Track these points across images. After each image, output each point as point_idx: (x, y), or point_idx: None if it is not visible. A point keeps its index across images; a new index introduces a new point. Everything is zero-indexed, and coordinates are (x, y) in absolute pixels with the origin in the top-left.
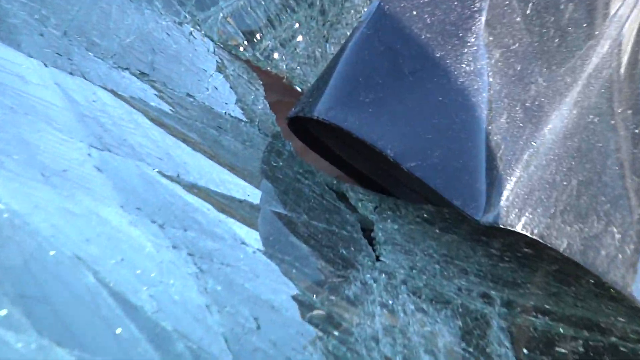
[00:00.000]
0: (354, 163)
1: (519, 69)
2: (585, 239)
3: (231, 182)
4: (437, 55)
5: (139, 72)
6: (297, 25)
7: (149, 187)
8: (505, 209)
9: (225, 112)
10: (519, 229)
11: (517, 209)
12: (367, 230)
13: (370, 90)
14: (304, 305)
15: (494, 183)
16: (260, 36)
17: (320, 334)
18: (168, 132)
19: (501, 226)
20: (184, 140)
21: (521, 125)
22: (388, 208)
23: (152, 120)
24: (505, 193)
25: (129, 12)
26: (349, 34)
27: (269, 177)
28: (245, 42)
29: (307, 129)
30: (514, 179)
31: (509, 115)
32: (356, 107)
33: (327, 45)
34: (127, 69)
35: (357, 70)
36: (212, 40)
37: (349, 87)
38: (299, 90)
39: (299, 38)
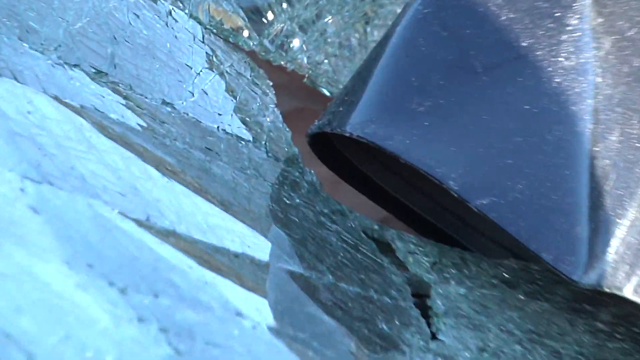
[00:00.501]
0: (403, 199)
1: (638, 65)
2: None
3: (224, 228)
4: (524, 44)
5: (94, 70)
6: (322, 2)
7: (106, 236)
8: (613, 265)
9: (218, 127)
10: (628, 293)
11: (628, 266)
12: (420, 297)
13: (427, 96)
14: None
15: (599, 229)
16: (271, 16)
17: None
18: (135, 156)
19: (606, 289)
20: (158, 168)
21: (638, 145)
22: (451, 264)
23: (112, 139)
24: (614, 243)
25: None
26: (399, 11)
27: (280, 220)
28: (249, 25)
29: (336, 151)
30: (626, 222)
31: (622, 132)
32: (406, 119)
33: (368, 29)
34: (77, 65)
35: (408, 67)
36: (200, 23)
37: (397, 90)
38: (326, 94)
39: (328, 18)
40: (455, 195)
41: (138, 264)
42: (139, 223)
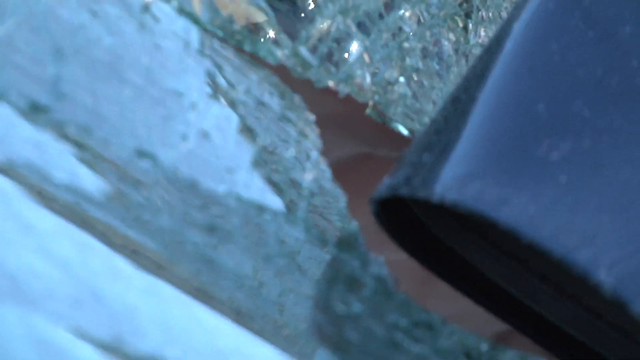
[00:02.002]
0: (527, 300)
1: None
2: None
3: (241, 354)
4: None
5: (29, 103)
6: None
7: None
8: None
9: (228, 191)
10: None
11: None
12: None
13: (564, 135)
14: None
15: None
16: (311, 5)
17: None
18: (95, 241)
19: None
20: (133, 258)
21: None
22: None
23: (58, 214)
24: None
25: None
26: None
27: (331, 339)
28: (276, 23)
29: (418, 226)
30: None
31: None
32: (530, 173)
33: (470, 26)
34: (0, 97)
35: (534, 88)
36: (196, 21)
37: (515, 126)
38: (403, 133)
39: (405, 10)
40: (608, 296)
41: None
42: (103, 346)
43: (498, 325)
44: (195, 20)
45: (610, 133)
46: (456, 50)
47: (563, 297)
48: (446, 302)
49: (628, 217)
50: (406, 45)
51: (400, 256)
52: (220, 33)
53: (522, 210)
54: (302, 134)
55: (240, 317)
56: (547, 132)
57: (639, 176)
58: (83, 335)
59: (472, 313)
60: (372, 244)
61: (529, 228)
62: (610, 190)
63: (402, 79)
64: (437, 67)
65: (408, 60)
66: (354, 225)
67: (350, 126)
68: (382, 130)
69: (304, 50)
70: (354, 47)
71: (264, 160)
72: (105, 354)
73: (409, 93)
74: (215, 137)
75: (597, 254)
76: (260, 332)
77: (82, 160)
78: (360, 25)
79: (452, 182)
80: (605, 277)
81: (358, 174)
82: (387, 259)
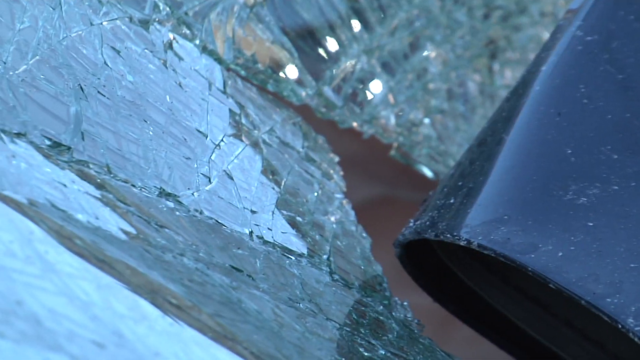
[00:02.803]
0: (554, 346)
1: None
2: None
3: None
4: None
5: (49, 142)
6: (419, 24)
7: None
8: None
9: (251, 233)
10: None
11: None
12: None
13: (592, 179)
14: None
15: None
16: (334, 46)
17: None
18: (117, 283)
19: None
20: (155, 302)
21: None
22: None
23: (80, 255)
24: None
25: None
26: (546, 39)
27: None
28: (300, 62)
29: (443, 269)
30: None
31: None
32: (557, 218)
33: (496, 68)
34: (21, 135)
35: (562, 132)
36: (219, 60)
37: (542, 171)
38: (428, 175)
39: (430, 51)
40: (636, 340)
41: None
42: None
43: None
44: (218, 59)
45: (638, 179)
46: (482, 92)
47: (587, 342)
48: (469, 346)
49: None
50: (431, 86)
51: (425, 300)
52: (243, 72)
53: (549, 255)
54: (326, 175)
55: None
56: (574, 177)
57: None
58: None
59: (495, 357)
60: (396, 289)
61: (556, 273)
62: (638, 238)
63: (426, 120)
64: (462, 108)
65: (433, 102)
66: (378, 268)
67: (373, 168)
68: (405, 172)
69: (328, 91)
70: (378, 87)
71: (287, 202)
72: None
73: (434, 134)
74: (238, 179)
75: (625, 301)
76: None
77: (104, 201)
78: (384, 66)
79: (479, 226)
80: (634, 324)
81: (381, 217)
82: (411, 303)
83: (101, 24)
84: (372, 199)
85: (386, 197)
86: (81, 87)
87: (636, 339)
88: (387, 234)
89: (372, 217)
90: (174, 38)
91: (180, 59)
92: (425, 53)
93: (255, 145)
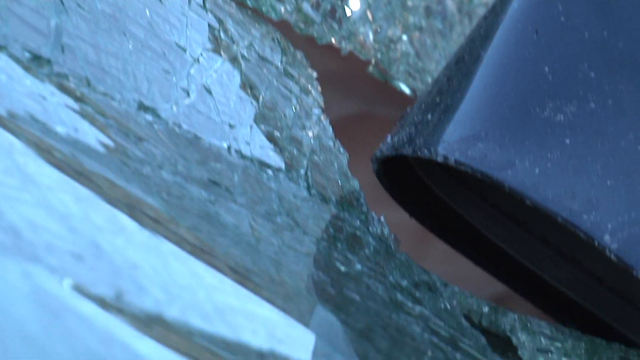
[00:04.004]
0: (529, 263)
1: None
2: None
3: (240, 311)
4: None
5: (29, 55)
6: None
7: (53, 323)
8: None
9: (229, 148)
10: None
11: None
12: None
13: (569, 97)
14: None
15: None
16: None
17: None
18: (96, 196)
19: None
20: (133, 215)
21: None
22: None
23: (59, 168)
24: None
25: None
26: None
27: (331, 298)
28: None
29: (420, 185)
30: None
31: None
32: (535, 135)
33: None
34: (1, 48)
35: (539, 50)
36: None
37: (520, 88)
38: (405, 92)
39: None
40: (612, 258)
41: None
42: (104, 303)
43: (497, 287)
44: None
45: (615, 97)
46: (460, 9)
47: (564, 260)
48: (445, 262)
49: (631, 183)
50: (409, 3)
51: (401, 216)
52: None
53: (526, 172)
54: (304, 91)
55: (239, 274)
56: (552, 94)
57: None
58: (84, 291)
59: (471, 274)
60: (373, 204)
61: (533, 190)
62: (614, 155)
63: (404, 37)
64: (440, 25)
65: (411, 19)
66: (355, 183)
67: (351, 84)
68: (383, 88)
69: (306, 7)
70: (357, 4)
71: (265, 117)
72: (106, 312)
73: (412, 51)
74: (217, 93)
75: (601, 219)
76: (259, 290)
77: (83, 114)
78: None
79: (456, 142)
80: (610, 241)
81: (359, 133)
82: (388, 219)
83: None
84: (350, 115)
85: (364, 113)
86: (61, 1)
87: (612, 256)
88: (364, 150)
89: (349, 132)
90: None
91: None
92: None
93: (233, 60)
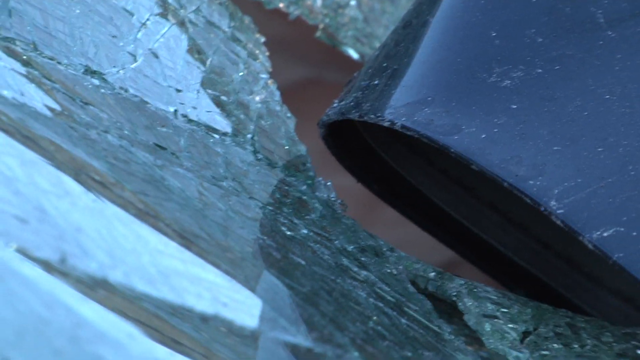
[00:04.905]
0: (474, 227)
1: None
2: None
3: (185, 275)
4: None
5: None
6: None
7: None
8: None
9: (175, 112)
10: None
11: None
12: None
13: (515, 62)
14: None
15: None
16: None
17: None
18: (41, 159)
19: None
20: (78, 178)
21: None
22: (554, 336)
23: (4, 131)
24: None
25: None
26: None
27: (276, 263)
28: None
29: (366, 150)
30: None
31: None
32: (481, 100)
33: None
34: None
35: (486, 14)
36: None
37: (466, 53)
38: (353, 57)
39: None
40: (559, 223)
41: (48, 331)
42: (48, 267)
43: (444, 253)
44: None
45: (562, 63)
46: None
47: (511, 226)
48: (392, 228)
49: (578, 149)
50: None
51: (348, 181)
52: None
53: (472, 137)
54: (252, 56)
55: (184, 239)
56: (498, 59)
57: (590, 108)
58: (28, 255)
59: (419, 240)
60: (319, 168)
61: (479, 155)
62: (561, 121)
63: (353, 2)
64: None
65: None
66: (302, 148)
67: (299, 49)
68: (331, 53)
69: None
70: None
71: (212, 81)
72: (50, 275)
73: (360, 16)
74: (164, 57)
75: (548, 184)
76: (204, 254)
77: (29, 78)
78: None
79: (402, 107)
80: (556, 206)
81: (306, 98)
82: (334, 183)
83: None
84: (298, 80)
85: (311, 78)
86: None
87: (559, 222)
88: (311, 115)
89: (297, 97)
90: None
91: None
92: None
93: (181, 24)
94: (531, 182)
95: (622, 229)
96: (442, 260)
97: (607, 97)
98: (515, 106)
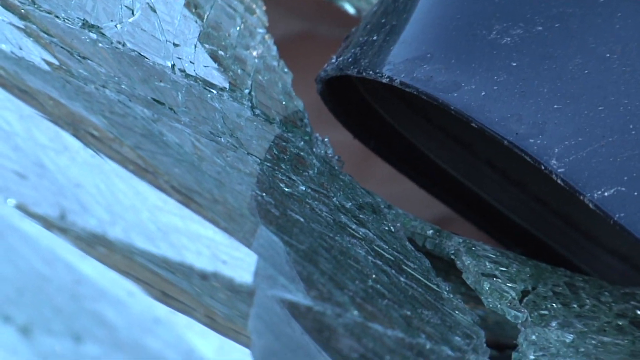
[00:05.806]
0: (474, 186)
1: None
2: None
3: (184, 232)
4: None
5: None
6: None
7: None
8: None
9: (173, 66)
10: None
11: None
12: (501, 348)
13: (515, 20)
14: None
15: None
16: None
17: None
18: (39, 114)
19: None
20: (77, 133)
21: None
22: (552, 295)
23: (1, 85)
24: None
25: None
26: None
27: (274, 219)
28: None
29: (364, 106)
30: None
31: None
32: (480, 58)
33: None
34: None
35: None
36: None
37: (466, 10)
38: (350, 12)
39: None
40: (560, 182)
41: (48, 288)
42: (48, 223)
43: (441, 209)
44: None
45: (562, 20)
46: None
47: (509, 183)
48: (389, 184)
49: (578, 107)
50: None
51: (345, 137)
52: None
53: (472, 94)
54: (249, 10)
55: (182, 195)
56: (498, 16)
57: (590, 66)
58: (27, 211)
59: (415, 196)
60: (317, 125)
61: (479, 112)
62: (561, 79)
63: None
64: None
65: None
66: (299, 104)
67: (296, 3)
68: (328, 8)
69: None
70: None
71: (209, 36)
72: (50, 231)
73: None
74: (161, 11)
75: (548, 142)
76: (202, 210)
77: (26, 32)
78: None
79: (401, 63)
80: (557, 165)
81: (303, 53)
82: (331, 139)
83: None
84: (295, 35)
85: (308, 33)
86: None
87: (559, 180)
88: (309, 70)
89: (294, 52)
90: None
91: None
92: None
93: None
94: (531, 140)
95: (624, 189)
96: (436, 216)
97: (608, 55)
98: (515, 64)
